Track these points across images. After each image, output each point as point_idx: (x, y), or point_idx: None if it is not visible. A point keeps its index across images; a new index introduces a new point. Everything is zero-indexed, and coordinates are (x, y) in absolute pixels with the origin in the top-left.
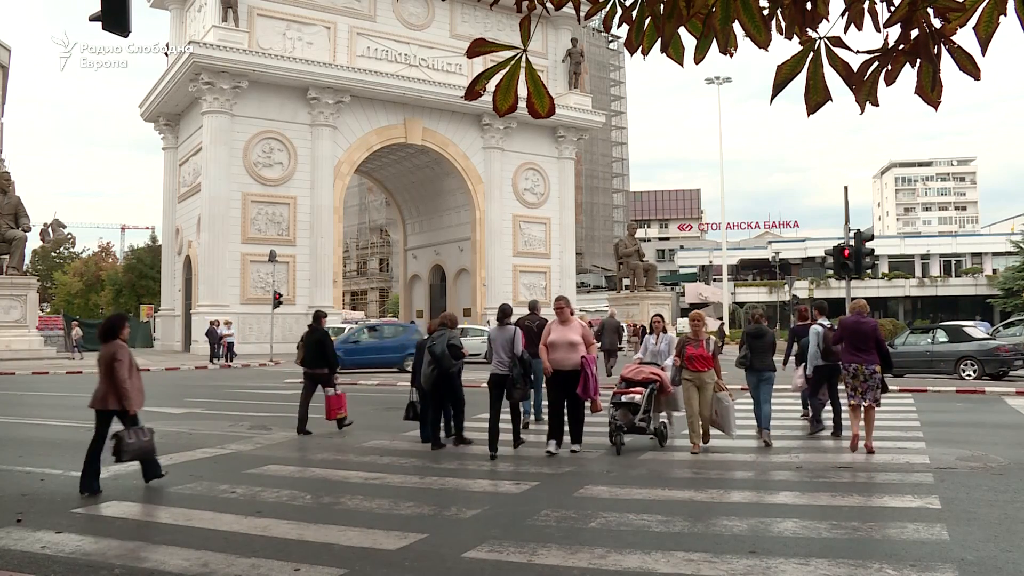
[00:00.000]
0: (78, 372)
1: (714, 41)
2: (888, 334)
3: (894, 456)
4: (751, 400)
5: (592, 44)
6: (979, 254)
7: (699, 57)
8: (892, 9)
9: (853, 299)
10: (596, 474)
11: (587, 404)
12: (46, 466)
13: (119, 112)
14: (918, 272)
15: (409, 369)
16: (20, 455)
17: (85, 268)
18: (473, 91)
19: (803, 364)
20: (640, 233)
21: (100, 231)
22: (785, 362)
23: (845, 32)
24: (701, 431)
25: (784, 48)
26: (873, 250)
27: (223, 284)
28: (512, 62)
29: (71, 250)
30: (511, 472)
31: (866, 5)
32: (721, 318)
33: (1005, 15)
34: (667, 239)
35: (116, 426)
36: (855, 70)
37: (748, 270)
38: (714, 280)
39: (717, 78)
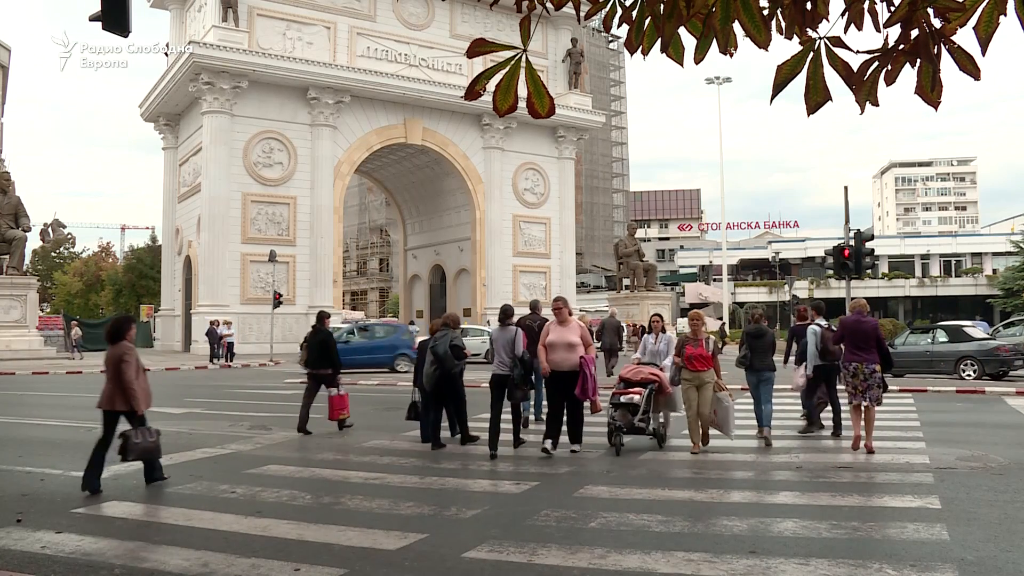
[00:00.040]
0: (78, 372)
1: (714, 41)
2: (888, 334)
3: (894, 456)
4: (751, 400)
5: (592, 44)
6: (979, 254)
7: (699, 57)
8: (892, 9)
9: (853, 299)
10: (596, 474)
11: (587, 404)
12: (46, 466)
13: (119, 112)
14: (918, 272)
15: (399, 369)
16: (20, 455)
17: (85, 268)
18: (473, 91)
19: (803, 364)
20: (640, 233)
21: (100, 231)
22: (785, 361)
23: (845, 32)
24: (701, 431)
25: (784, 48)
26: (873, 250)
27: (223, 284)
28: (512, 62)
29: (71, 250)
30: (511, 472)
31: (866, 5)
32: (721, 318)
33: (1005, 15)
34: (667, 239)
35: (123, 426)
36: (855, 70)
37: (748, 270)
38: (714, 280)
39: (717, 78)
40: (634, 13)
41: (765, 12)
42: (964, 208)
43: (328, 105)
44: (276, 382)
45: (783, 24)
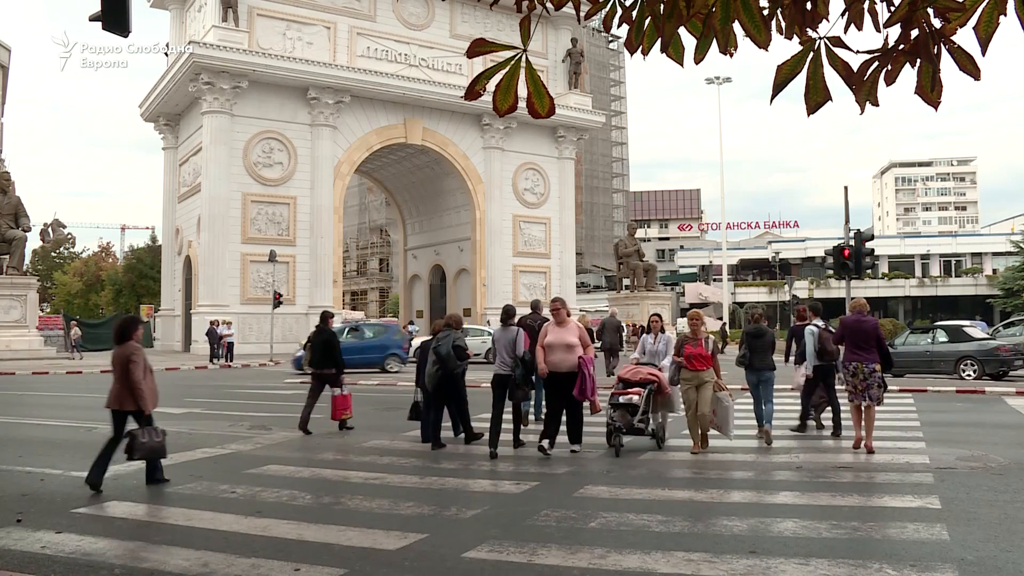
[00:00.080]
0: (78, 372)
1: (714, 41)
2: (888, 334)
3: (894, 456)
4: (751, 400)
5: (592, 44)
6: (979, 254)
7: (699, 57)
8: (892, 9)
9: (853, 299)
10: (596, 474)
11: (586, 405)
12: (46, 466)
13: (119, 112)
14: (918, 272)
15: (390, 369)
16: (20, 455)
17: (85, 268)
18: (473, 91)
19: (803, 363)
20: (640, 233)
21: (100, 231)
22: (786, 361)
23: (845, 32)
24: (701, 433)
25: (784, 48)
26: (873, 250)
27: (223, 284)
28: (512, 62)
29: (71, 250)
30: (511, 472)
31: (866, 5)
32: (722, 318)
33: (1005, 15)
34: (667, 239)
35: (131, 425)
36: (855, 70)
37: (748, 270)
38: (714, 280)
39: (717, 78)
40: (634, 13)
41: (765, 12)
42: (964, 208)
43: (328, 105)
44: (276, 382)
45: (783, 24)
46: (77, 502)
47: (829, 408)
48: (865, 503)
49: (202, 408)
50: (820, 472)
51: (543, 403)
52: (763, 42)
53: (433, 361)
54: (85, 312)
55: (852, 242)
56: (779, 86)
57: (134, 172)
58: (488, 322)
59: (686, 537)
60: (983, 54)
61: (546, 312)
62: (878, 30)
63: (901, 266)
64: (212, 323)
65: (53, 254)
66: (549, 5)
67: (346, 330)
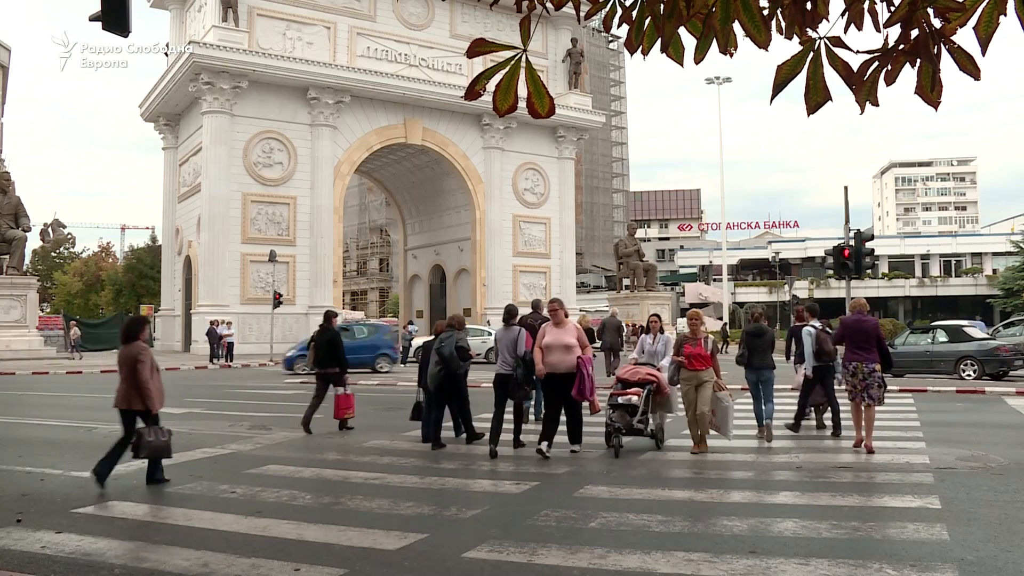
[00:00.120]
0: (78, 372)
1: (714, 41)
2: (888, 334)
3: (894, 456)
4: (751, 400)
5: (592, 44)
6: (979, 254)
7: (699, 57)
8: (892, 9)
9: (853, 299)
10: (596, 474)
11: (585, 405)
12: (46, 466)
13: (119, 112)
14: (918, 272)
15: (380, 369)
16: (20, 455)
17: (85, 268)
18: (473, 91)
19: (802, 364)
20: (640, 233)
21: (100, 231)
22: (787, 359)
23: (845, 32)
24: (700, 432)
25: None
26: (873, 250)
27: (223, 284)
28: (512, 62)
29: (71, 250)
30: (511, 472)
31: (866, 5)
32: (722, 318)
33: (1005, 15)
34: (667, 239)
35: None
36: (855, 70)
37: (748, 270)
38: (714, 280)
39: (717, 78)
40: (634, 13)
41: (765, 12)
42: (964, 208)
43: (328, 105)
44: (276, 382)
45: (783, 24)
46: (77, 502)
47: (828, 408)
48: (865, 503)
49: (202, 408)
50: (820, 472)
51: (543, 403)
52: (763, 42)
53: (436, 362)
54: (85, 312)
55: (852, 242)
56: (779, 86)
57: (134, 172)
58: (488, 322)
59: (686, 537)
60: (983, 54)
61: (546, 313)
62: (878, 30)
63: (901, 266)
64: (212, 323)
65: (53, 254)
66: (549, 5)
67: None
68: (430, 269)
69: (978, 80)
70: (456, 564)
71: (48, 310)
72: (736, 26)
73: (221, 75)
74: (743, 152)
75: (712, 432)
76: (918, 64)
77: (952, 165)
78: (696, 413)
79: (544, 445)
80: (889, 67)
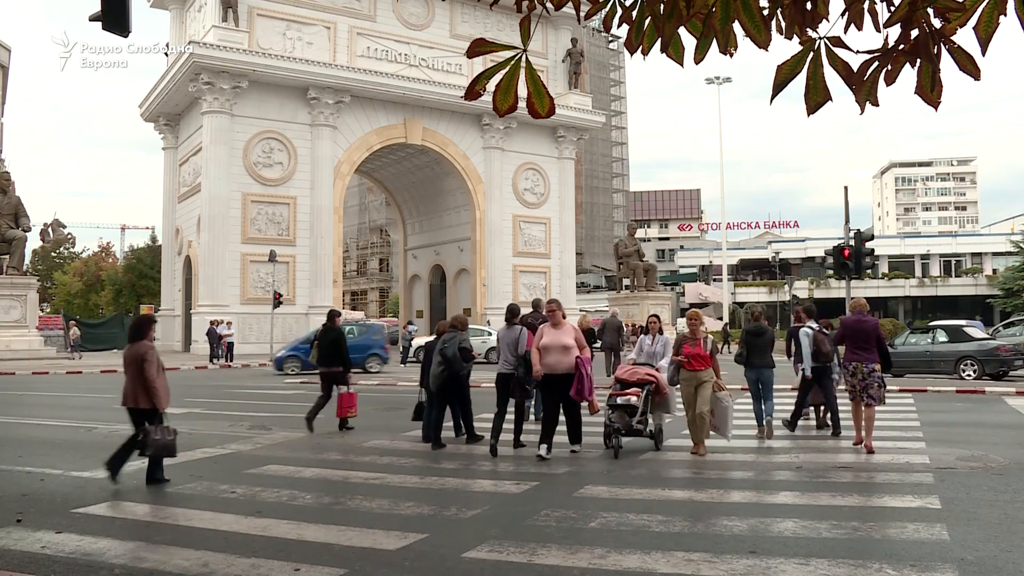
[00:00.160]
0: (78, 372)
1: (714, 41)
2: (888, 334)
3: (894, 456)
4: (751, 399)
5: (592, 44)
6: (979, 254)
7: (699, 57)
8: (892, 9)
9: (853, 299)
10: (596, 474)
11: (584, 405)
12: (46, 466)
13: (119, 112)
14: (918, 272)
15: (371, 370)
16: (20, 455)
17: (85, 268)
18: (473, 91)
19: (801, 364)
20: (640, 233)
21: (100, 231)
22: (788, 357)
23: (845, 32)
24: (701, 431)
25: (784, 48)
26: (873, 250)
27: (223, 284)
28: (512, 62)
29: (71, 250)
30: (511, 472)
31: (866, 5)
32: (722, 318)
33: (1005, 15)
34: (667, 239)
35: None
36: (855, 70)
37: (748, 270)
38: (714, 280)
39: (717, 78)
40: (634, 13)
41: (765, 12)
42: (964, 208)
43: (328, 105)
44: (276, 382)
45: (783, 24)
46: (77, 502)
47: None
48: (865, 503)
49: (202, 408)
50: (820, 472)
51: (541, 405)
52: (763, 42)
53: (439, 362)
54: (85, 312)
55: (852, 242)
56: (779, 86)
57: (134, 172)
58: (488, 322)
59: (686, 537)
60: (983, 54)
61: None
62: (878, 30)
63: (901, 266)
64: (212, 323)
65: (53, 254)
66: (549, 5)
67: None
68: (430, 269)
69: (978, 80)
70: (456, 564)
71: (48, 310)
72: (736, 26)
73: (221, 75)
74: (743, 152)
75: (711, 433)
76: (918, 64)
77: (952, 165)
78: (696, 413)
79: (543, 449)
80: (889, 67)
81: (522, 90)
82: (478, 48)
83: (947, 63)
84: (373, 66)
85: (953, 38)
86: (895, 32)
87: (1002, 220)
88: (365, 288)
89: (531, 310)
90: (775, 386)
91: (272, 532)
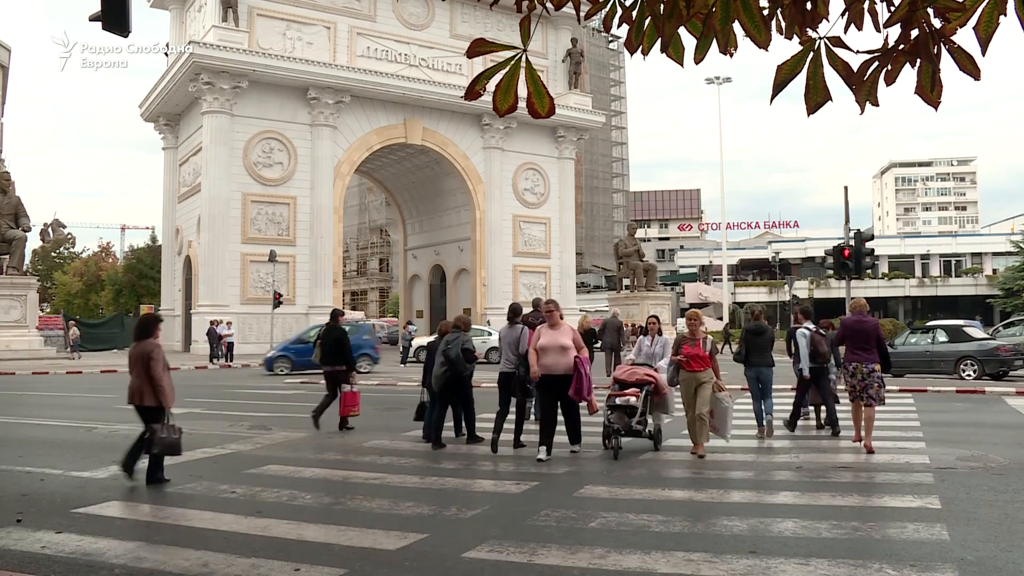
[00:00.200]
0: (78, 372)
1: (714, 41)
2: (888, 334)
3: (894, 456)
4: (751, 400)
5: (592, 44)
6: (979, 254)
7: (699, 57)
8: (892, 9)
9: (853, 299)
10: (596, 474)
11: (583, 405)
12: (46, 466)
13: (119, 112)
14: (918, 272)
15: (362, 370)
16: (20, 455)
17: (85, 268)
18: (473, 91)
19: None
20: (640, 233)
21: (100, 231)
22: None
23: (845, 32)
24: (701, 432)
25: (784, 48)
26: (873, 250)
27: (223, 284)
28: (512, 62)
29: (71, 250)
30: (511, 472)
31: (866, 5)
32: (722, 318)
33: (1005, 15)
34: (667, 239)
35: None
36: (855, 70)
37: (748, 270)
38: (714, 280)
39: (717, 78)
40: (634, 13)
41: (765, 12)
42: (964, 208)
43: (328, 105)
44: (276, 382)
45: (783, 24)
46: (77, 502)
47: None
48: (865, 503)
49: (202, 408)
50: (820, 472)
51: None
52: (763, 42)
53: (441, 363)
54: (85, 312)
55: (852, 242)
56: (779, 86)
57: (134, 172)
58: (488, 322)
59: (686, 537)
60: (983, 54)
61: None
62: (878, 30)
63: (901, 266)
64: (212, 323)
65: (53, 254)
66: (549, 5)
67: (316, 329)
68: (430, 269)
69: (978, 80)
70: (456, 564)
71: (48, 310)
72: (736, 26)
73: (221, 75)
74: (743, 152)
75: (710, 434)
76: (918, 64)
77: (952, 165)
78: (696, 414)
79: (543, 452)
80: (889, 67)
81: (522, 90)
82: (478, 48)
83: (947, 63)
84: (373, 66)
85: (953, 38)
86: (895, 32)
87: (1002, 220)
88: (365, 288)
89: (532, 310)
90: (774, 385)
91: (272, 532)
